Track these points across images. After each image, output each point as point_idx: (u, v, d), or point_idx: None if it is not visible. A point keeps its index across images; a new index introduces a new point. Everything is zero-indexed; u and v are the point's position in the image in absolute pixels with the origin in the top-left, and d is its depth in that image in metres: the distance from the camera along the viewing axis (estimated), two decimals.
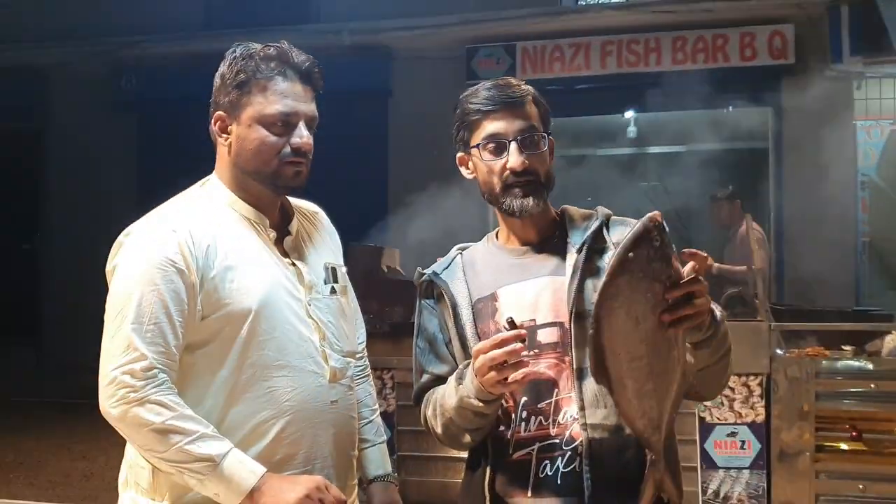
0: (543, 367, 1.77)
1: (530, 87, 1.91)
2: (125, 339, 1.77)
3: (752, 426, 4.39)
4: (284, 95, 1.89)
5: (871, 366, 4.37)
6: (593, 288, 1.75)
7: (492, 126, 1.84)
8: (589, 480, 1.70)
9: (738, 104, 8.10)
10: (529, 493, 1.75)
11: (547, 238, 1.91)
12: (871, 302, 7.83)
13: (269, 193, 1.95)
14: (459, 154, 1.93)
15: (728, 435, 4.40)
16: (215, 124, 1.96)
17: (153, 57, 9.96)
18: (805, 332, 4.78)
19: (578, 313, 1.75)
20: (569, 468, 1.72)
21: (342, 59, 8.22)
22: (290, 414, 1.86)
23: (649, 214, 1.54)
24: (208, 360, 1.84)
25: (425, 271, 1.98)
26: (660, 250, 1.51)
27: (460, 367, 1.82)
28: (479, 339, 1.80)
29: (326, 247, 2.11)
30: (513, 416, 1.79)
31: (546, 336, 1.79)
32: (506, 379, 1.63)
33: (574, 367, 1.74)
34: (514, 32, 8.47)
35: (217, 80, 1.96)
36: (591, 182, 7.62)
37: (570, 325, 1.75)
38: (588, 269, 1.80)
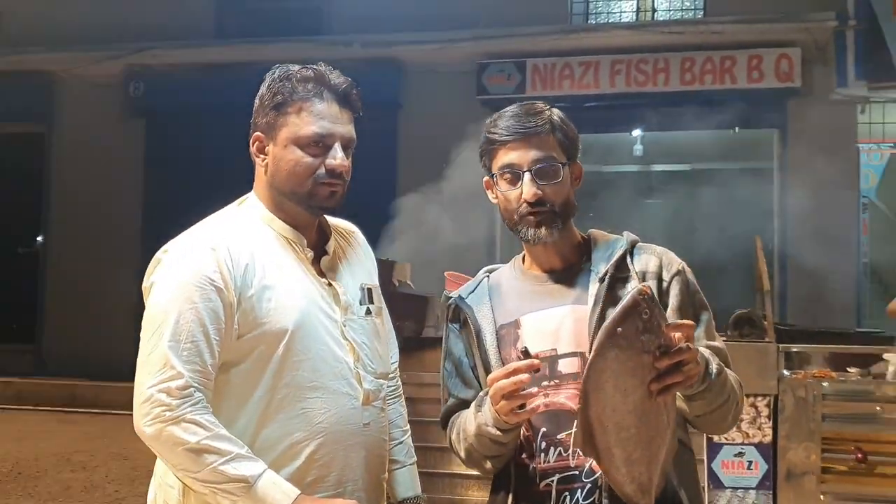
0: (563, 397, 1.77)
1: (553, 114, 1.91)
2: (162, 357, 1.78)
3: (759, 447, 4.42)
4: (321, 117, 1.90)
5: (877, 388, 4.41)
6: None
7: (507, 157, 1.86)
8: None
9: (745, 125, 8.17)
10: None
11: (571, 265, 1.91)
12: (871, 323, 7.88)
13: (305, 213, 1.97)
14: (485, 178, 1.95)
15: (735, 455, 4.43)
16: (253, 145, 1.98)
17: (163, 64, 10.01)
18: (808, 352, 4.82)
19: None
20: (589, 500, 1.73)
21: (353, 70, 8.24)
22: (322, 435, 1.86)
23: (638, 287, 1.56)
24: (243, 379, 1.85)
25: (451, 295, 2.00)
26: (649, 322, 1.51)
27: (481, 394, 1.83)
28: (503, 365, 1.81)
29: (362, 267, 2.12)
30: (533, 445, 1.80)
31: (567, 366, 1.79)
32: (521, 407, 1.67)
33: None
34: (524, 49, 8.54)
35: (256, 101, 1.98)
36: (596, 199, 7.66)
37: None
38: (610, 298, 1.80)
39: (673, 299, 1.84)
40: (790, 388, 4.38)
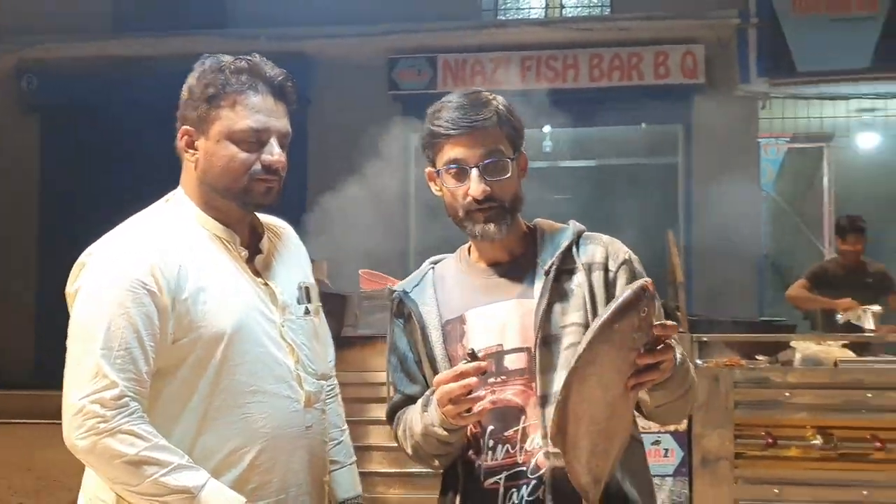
0: (510, 393, 1.76)
1: (499, 104, 1.84)
2: (94, 366, 1.69)
3: (675, 435, 4.51)
4: (256, 110, 1.83)
5: (785, 375, 4.55)
6: (561, 311, 1.77)
7: (453, 152, 1.80)
8: None
9: (651, 121, 8.34)
10: None
11: (517, 257, 1.87)
12: (771, 312, 8.15)
13: (238, 210, 1.90)
14: (428, 170, 1.89)
15: (652, 443, 4.51)
16: (181, 139, 1.90)
17: (57, 58, 9.62)
18: (713, 341, 4.95)
19: (545, 339, 1.75)
20: (532, 497, 1.72)
21: None
22: (263, 441, 1.81)
23: (640, 282, 1.53)
24: (179, 386, 1.78)
25: (395, 289, 1.96)
26: (644, 320, 1.50)
27: (427, 393, 1.80)
28: (450, 361, 1.79)
29: (298, 265, 2.07)
30: (481, 441, 1.78)
31: (513, 362, 1.78)
32: (468, 411, 1.64)
33: (538, 393, 1.73)
34: (435, 45, 8.52)
35: (184, 93, 1.89)
36: None
37: (536, 351, 1.74)
38: (556, 291, 1.79)
39: (619, 290, 1.77)
40: (704, 377, 4.48)
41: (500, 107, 1.84)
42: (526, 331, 1.77)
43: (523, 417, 1.74)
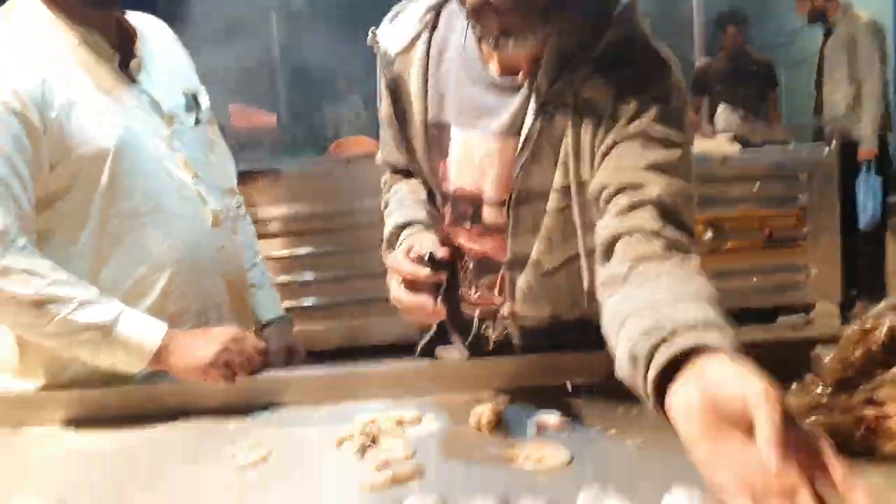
0: (489, 247, 1.46)
1: None
2: None
3: None
4: None
5: None
6: (552, 162, 1.32)
7: None
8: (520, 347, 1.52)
9: None
10: (468, 342, 1.56)
11: (537, 61, 1.31)
12: None
13: (91, 10, 1.62)
14: None
15: None
16: None
17: None
18: None
19: (522, 196, 1.36)
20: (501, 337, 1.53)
21: None
22: (172, 265, 1.62)
23: None
24: (65, 217, 1.56)
25: (379, 41, 1.44)
26: None
27: (393, 231, 1.49)
28: (432, 172, 1.46)
29: (180, 68, 1.80)
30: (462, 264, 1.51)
31: (491, 215, 1.42)
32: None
33: (508, 257, 1.42)
34: None
35: None
36: None
37: (509, 211, 1.38)
38: (549, 133, 1.31)
39: (606, 173, 1.25)
40: None
41: None
42: (506, 182, 1.38)
43: (503, 267, 1.46)
